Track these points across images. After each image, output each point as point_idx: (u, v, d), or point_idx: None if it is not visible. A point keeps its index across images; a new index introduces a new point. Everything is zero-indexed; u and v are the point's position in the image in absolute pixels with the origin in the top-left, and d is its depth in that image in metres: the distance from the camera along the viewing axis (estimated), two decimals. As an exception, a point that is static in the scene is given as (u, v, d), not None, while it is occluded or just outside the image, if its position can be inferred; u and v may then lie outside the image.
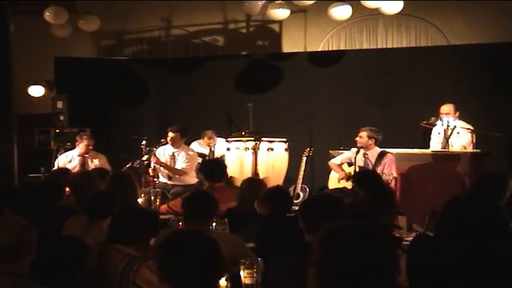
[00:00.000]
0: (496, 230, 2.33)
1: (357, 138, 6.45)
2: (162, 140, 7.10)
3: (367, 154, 6.41)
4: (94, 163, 6.92)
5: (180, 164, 6.94)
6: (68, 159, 7.01)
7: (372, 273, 1.80)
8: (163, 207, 5.14)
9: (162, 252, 2.19)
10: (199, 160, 7.31)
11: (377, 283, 1.81)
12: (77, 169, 6.77)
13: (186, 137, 7.18)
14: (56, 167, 6.95)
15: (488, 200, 2.70)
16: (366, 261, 1.81)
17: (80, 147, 6.97)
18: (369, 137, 6.42)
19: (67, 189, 4.94)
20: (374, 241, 1.86)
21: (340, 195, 5.35)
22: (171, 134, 6.95)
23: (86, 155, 6.98)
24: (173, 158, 6.97)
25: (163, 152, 7.00)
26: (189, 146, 7.74)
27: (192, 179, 7.05)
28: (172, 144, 6.96)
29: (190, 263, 2.12)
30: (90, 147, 7.01)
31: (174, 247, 2.17)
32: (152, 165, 6.78)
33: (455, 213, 2.41)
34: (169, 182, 6.87)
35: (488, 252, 2.27)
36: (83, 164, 6.93)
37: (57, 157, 7.40)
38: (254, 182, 4.82)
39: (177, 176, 6.91)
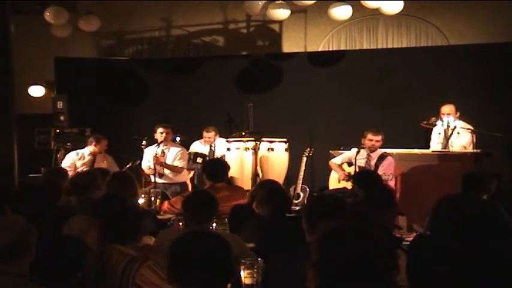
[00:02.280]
0: (494, 228, 2.32)
1: (373, 143, 6.37)
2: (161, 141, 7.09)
3: (371, 155, 6.41)
4: (103, 163, 6.91)
5: (171, 161, 6.96)
6: (78, 157, 6.99)
7: (371, 274, 1.80)
8: (165, 204, 5.14)
9: (174, 252, 2.15)
10: (199, 160, 7.31)
11: (376, 283, 1.81)
12: (85, 168, 6.79)
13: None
14: (61, 165, 6.96)
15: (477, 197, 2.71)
16: (364, 261, 1.80)
17: (95, 148, 6.96)
18: (382, 139, 6.43)
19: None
20: (372, 241, 1.86)
21: (340, 195, 5.36)
22: (164, 130, 6.95)
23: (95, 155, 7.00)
24: (163, 156, 6.95)
25: (152, 152, 6.93)
26: (189, 146, 7.75)
27: (184, 177, 7.10)
28: (164, 142, 6.95)
29: (201, 264, 2.09)
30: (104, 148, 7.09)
31: (186, 247, 2.14)
32: (152, 165, 6.76)
33: (448, 213, 2.41)
34: (159, 181, 6.83)
35: (487, 251, 2.27)
36: (93, 163, 6.93)
37: (57, 157, 7.39)
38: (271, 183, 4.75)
39: (170, 176, 6.93)
